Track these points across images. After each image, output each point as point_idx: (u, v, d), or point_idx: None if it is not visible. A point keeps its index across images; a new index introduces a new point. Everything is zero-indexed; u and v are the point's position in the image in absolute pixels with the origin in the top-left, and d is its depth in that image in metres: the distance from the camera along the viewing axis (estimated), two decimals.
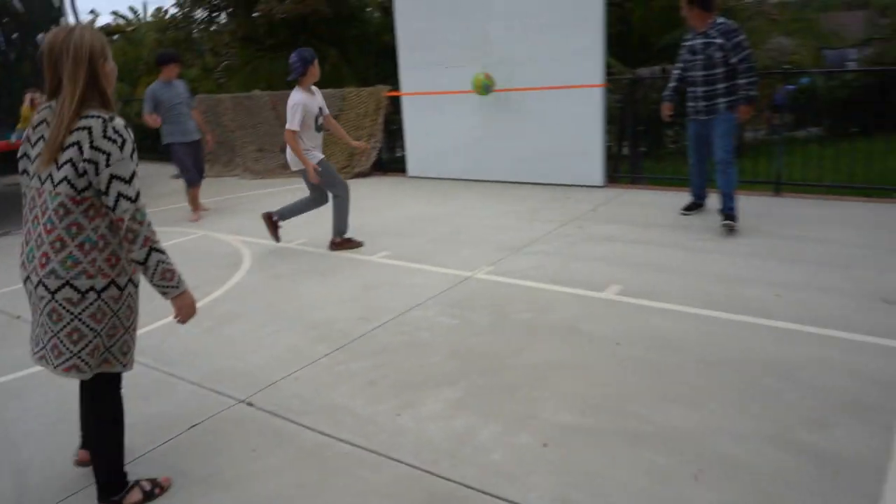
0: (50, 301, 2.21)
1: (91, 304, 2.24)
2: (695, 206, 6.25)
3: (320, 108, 5.61)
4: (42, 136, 2.22)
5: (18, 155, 2.30)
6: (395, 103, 9.35)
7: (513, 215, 6.67)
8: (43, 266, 2.19)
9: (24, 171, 2.29)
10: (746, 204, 6.49)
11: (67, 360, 2.27)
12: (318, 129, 5.63)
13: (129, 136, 2.21)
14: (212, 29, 12.40)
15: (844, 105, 13.03)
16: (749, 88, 5.38)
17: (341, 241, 5.85)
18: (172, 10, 13.49)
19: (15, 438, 3.12)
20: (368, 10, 12.13)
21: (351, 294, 4.73)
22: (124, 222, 2.19)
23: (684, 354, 3.48)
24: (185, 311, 2.44)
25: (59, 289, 2.20)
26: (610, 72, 9.01)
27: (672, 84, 5.97)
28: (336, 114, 9.55)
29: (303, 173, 5.60)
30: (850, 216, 5.90)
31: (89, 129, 2.14)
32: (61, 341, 2.25)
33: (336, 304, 4.54)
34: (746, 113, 5.51)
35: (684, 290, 4.34)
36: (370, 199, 7.99)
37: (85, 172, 2.15)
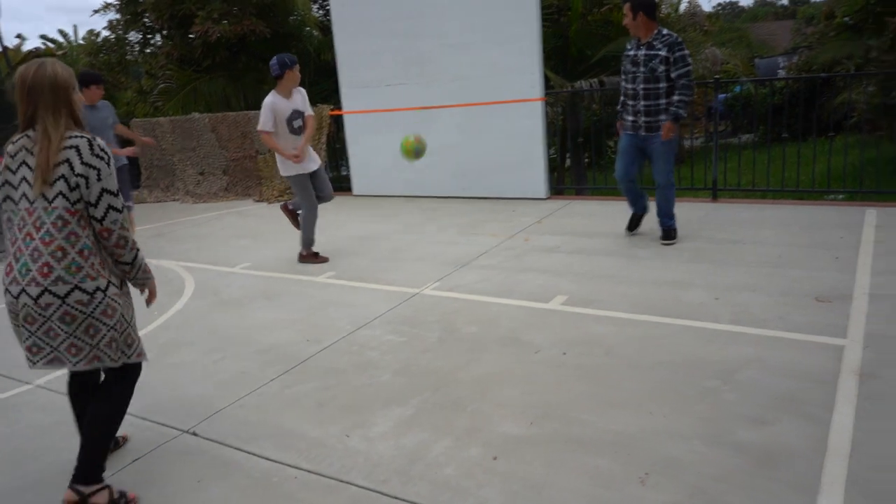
0: (61, 306, 2.40)
1: (100, 302, 2.46)
2: (638, 220, 5.89)
3: (296, 112, 5.66)
4: (24, 163, 2.43)
5: None
6: (337, 122, 9.32)
7: (458, 230, 6.71)
8: (46, 275, 2.38)
9: (7, 198, 2.47)
10: (685, 210, 6.69)
11: (88, 353, 2.49)
12: (294, 131, 5.67)
13: (110, 153, 2.50)
14: (146, 51, 12.16)
15: (776, 111, 13.58)
16: (680, 106, 5.15)
17: (307, 255, 5.89)
18: (105, 33, 13.20)
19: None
20: (307, 29, 12.06)
21: (298, 316, 4.67)
22: (114, 231, 2.46)
23: (627, 360, 3.55)
24: (154, 293, 2.79)
25: (68, 293, 2.40)
26: (549, 85, 9.20)
27: (623, 99, 5.53)
28: None
29: (292, 182, 5.73)
30: (784, 218, 6.13)
31: (77, 148, 2.40)
32: (79, 338, 2.46)
33: (283, 328, 4.48)
34: (670, 131, 5.23)
35: (627, 298, 4.43)
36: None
37: (77, 186, 2.39)
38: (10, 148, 2.47)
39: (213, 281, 5.73)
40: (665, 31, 5.19)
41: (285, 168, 5.66)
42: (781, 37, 31.27)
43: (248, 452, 2.99)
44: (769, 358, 3.43)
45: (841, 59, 14.19)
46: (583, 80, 9.66)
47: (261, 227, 7.82)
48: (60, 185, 2.38)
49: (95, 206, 2.41)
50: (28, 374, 4.08)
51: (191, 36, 11.07)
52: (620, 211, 6.84)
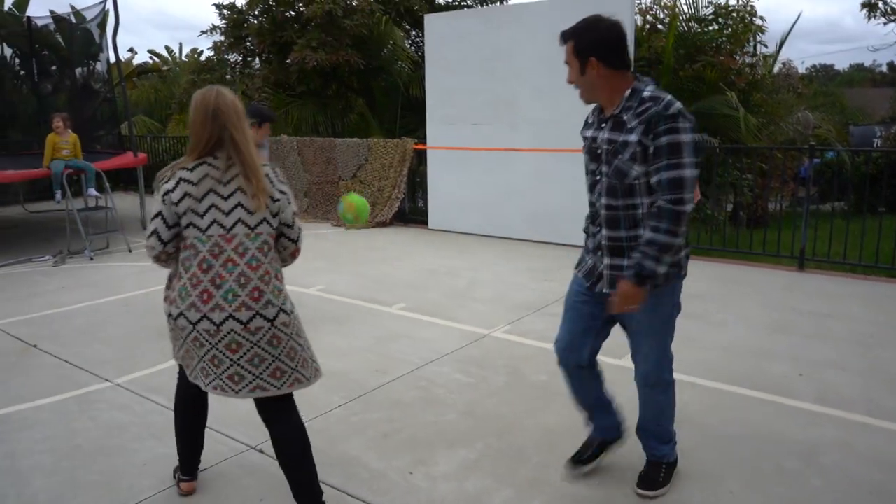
0: (270, 329, 2.42)
1: (294, 323, 2.53)
2: (597, 448, 3.08)
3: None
4: (211, 191, 2.39)
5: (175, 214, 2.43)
6: (419, 156, 9.47)
7: (530, 274, 6.67)
8: (257, 300, 2.39)
9: (191, 225, 2.40)
10: (768, 277, 6.47)
11: (290, 376, 2.50)
12: None
13: None
14: (245, 72, 12.71)
15: (870, 182, 13.02)
16: (651, 253, 2.49)
17: None
18: (208, 53, 13.86)
19: (22, 471, 3.09)
20: (400, 63, 12.38)
21: (366, 345, 4.71)
22: (299, 251, 2.65)
23: (701, 429, 3.41)
24: None
25: (276, 316, 2.43)
26: None
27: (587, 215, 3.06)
28: (361, 163, 9.71)
29: None
30: (877, 295, 5.84)
31: (268, 176, 2.49)
32: (283, 361, 2.47)
33: (351, 355, 4.52)
34: (627, 300, 2.57)
35: (703, 363, 4.28)
36: (389, 249, 8.03)
37: (278, 212, 2.50)
38: (189, 175, 2.39)
39: None
40: (647, 92, 2.58)
41: None
42: (879, 104, 30.19)
43: None
44: (857, 444, 3.24)
45: None
46: None
47: (337, 251, 7.97)
48: (264, 212, 2.44)
49: (292, 226, 2.55)
50: (108, 371, 4.24)
51: (287, 62, 11.51)
52: (698, 270, 6.67)
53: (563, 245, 7.96)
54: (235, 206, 2.40)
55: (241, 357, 2.40)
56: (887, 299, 5.71)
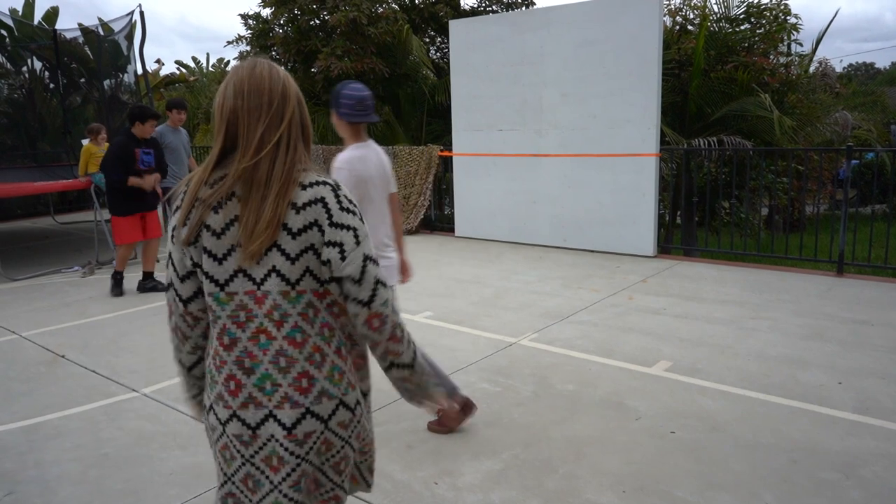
0: (322, 433, 1.60)
1: (359, 420, 1.69)
2: None
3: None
4: (237, 219, 1.53)
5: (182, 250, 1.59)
6: (445, 162, 9.45)
7: (559, 281, 6.58)
8: (306, 390, 1.57)
9: (205, 275, 1.58)
10: (804, 283, 6.30)
11: (327, 492, 1.71)
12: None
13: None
14: None
15: None
16: None
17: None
18: (233, 63, 14.04)
19: (49, 479, 3.12)
20: (425, 71, 12.40)
21: None
22: (387, 318, 1.59)
23: (735, 439, 3.31)
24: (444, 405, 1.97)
25: (333, 413, 1.61)
26: (664, 141, 9.00)
27: None
28: None
29: None
30: None
31: (323, 201, 1.54)
32: (324, 474, 1.67)
33: (376, 365, 4.48)
34: None
35: (736, 371, 4.17)
36: (415, 257, 8.01)
37: (329, 260, 1.55)
38: (203, 193, 1.56)
39: None
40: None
41: None
42: None
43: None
44: None
45: None
46: (700, 138, 9.39)
47: None
48: (309, 259, 1.55)
49: (360, 282, 1.56)
50: (136, 381, 4.28)
51: (313, 70, 11.59)
52: (734, 276, 6.54)
53: (593, 252, 7.86)
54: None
55: (285, 480, 1.59)
56: None
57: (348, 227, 1.55)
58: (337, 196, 1.56)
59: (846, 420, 3.48)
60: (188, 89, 19.18)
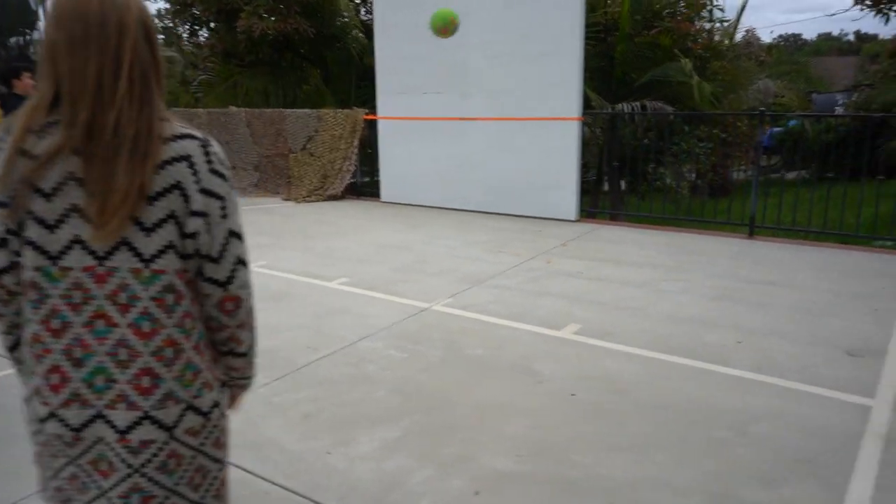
0: (166, 443, 1.34)
1: (216, 425, 1.43)
2: None
3: None
4: (71, 177, 1.24)
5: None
6: (372, 127, 9.25)
7: (480, 246, 6.54)
8: (147, 391, 1.32)
9: (30, 244, 1.28)
10: (718, 245, 6.43)
11: None
12: None
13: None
14: (192, 42, 12.31)
15: (831, 149, 13.13)
16: None
17: None
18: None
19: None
20: (354, 32, 12.07)
21: (302, 321, 4.55)
22: (243, 301, 1.41)
23: (636, 401, 3.33)
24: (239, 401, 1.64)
25: (179, 419, 1.35)
26: (590, 105, 9.00)
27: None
28: (311, 135, 9.45)
29: None
30: (824, 262, 5.82)
31: (189, 160, 1.30)
32: (180, 495, 1.40)
33: (285, 331, 4.36)
34: None
35: (644, 333, 4.21)
36: (339, 224, 7.84)
37: (196, 232, 1.32)
38: (35, 146, 1.24)
39: None
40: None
41: None
42: (844, 73, 30.41)
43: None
44: (789, 412, 3.18)
45: None
46: (625, 103, 9.43)
47: (284, 225, 7.76)
48: (170, 231, 1.30)
49: (218, 260, 1.35)
50: None
51: (236, 28, 11.16)
52: (653, 240, 6.62)
53: (520, 216, 7.85)
54: None
55: (114, 487, 1.34)
56: (834, 266, 5.70)
57: (216, 196, 1.33)
58: (207, 153, 1.32)
59: (742, 379, 3.55)
60: None
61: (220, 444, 1.46)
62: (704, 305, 4.70)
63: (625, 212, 8.74)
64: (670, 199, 9.20)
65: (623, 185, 10.82)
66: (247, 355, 1.50)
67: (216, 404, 1.43)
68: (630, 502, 2.53)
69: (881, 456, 2.80)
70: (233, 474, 2.71)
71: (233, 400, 1.57)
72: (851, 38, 49.46)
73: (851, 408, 3.22)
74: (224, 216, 1.34)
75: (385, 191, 9.05)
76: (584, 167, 8.88)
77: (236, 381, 1.53)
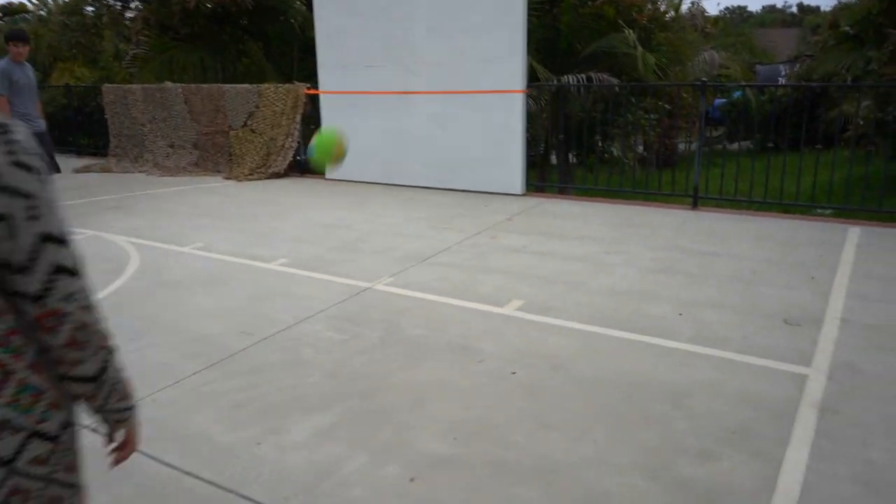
0: (5, 479, 1.15)
1: (68, 448, 1.26)
2: None
3: None
4: None
5: None
6: (314, 102, 8.99)
7: (426, 223, 6.43)
8: None
9: None
10: (662, 217, 6.45)
11: None
12: None
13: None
14: (125, 14, 11.76)
15: (773, 120, 13.35)
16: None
17: None
18: None
19: None
20: (297, 4, 11.70)
21: (239, 304, 4.39)
22: (67, 315, 1.18)
23: (574, 377, 3.29)
24: (135, 439, 1.42)
25: (19, 450, 1.16)
26: (535, 77, 8.91)
27: None
28: (251, 111, 9.15)
29: None
30: (765, 231, 5.88)
31: None
32: None
33: (219, 316, 4.19)
34: None
35: (585, 307, 4.17)
36: (281, 203, 7.63)
37: None
38: None
39: (159, 260, 5.42)
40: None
41: None
42: (787, 45, 30.95)
43: (148, 456, 2.70)
44: (726, 383, 3.18)
45: (840, 69, 13.92)
46: (570, 75, 9.37)
47: (224, 206, 7.50)
48: None
49: (27, 271, 1.14)
50: None
51: (171, 0, 10.70)
52: (598, 213, 6.60)
53: (466, 192, 7.75)
54: None
55: None
56: (774, 235, 5.76)
57: (20, 193, 1.11)
58: (7, 142, 1.10)
59: (681, 350, 3.54)
60: (39, 21, 17.30)
61: (74, 467, 1.28)
62: (646, 278, 4.70)
63: (573, 185, 8.71)
64: (618, 171, 9.21)
65: (572, 157, 10.81)
66: (94, 380, 1.25)
67: (67, 425, 1.24)
68: (568, 481, 2.49)
69: (816, 425, 2.82)
70: (155, 471, 2.59)
71: (112, 434, 1.36)
72: (795, 10, 50.50)
73: (788, 377, 3.24)
74: (32, 217, 1.12)
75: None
76: (532, 140, 8.80)
77: (101, 410, 1.30)
